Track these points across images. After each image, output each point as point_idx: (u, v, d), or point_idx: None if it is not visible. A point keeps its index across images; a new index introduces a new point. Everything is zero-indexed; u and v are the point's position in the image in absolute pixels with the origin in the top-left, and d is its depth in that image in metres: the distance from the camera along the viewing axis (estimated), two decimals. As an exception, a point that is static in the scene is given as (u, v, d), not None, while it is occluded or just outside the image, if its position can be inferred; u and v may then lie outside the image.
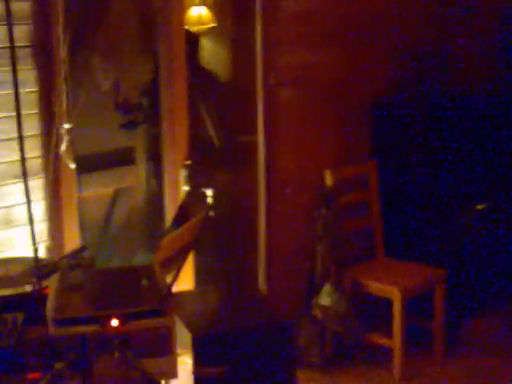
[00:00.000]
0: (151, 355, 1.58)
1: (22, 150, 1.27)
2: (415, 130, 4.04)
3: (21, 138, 1.37)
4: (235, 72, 3.85)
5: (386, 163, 4.05)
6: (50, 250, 2.82)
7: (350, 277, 3.71)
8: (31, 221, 1.39)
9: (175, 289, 1.83)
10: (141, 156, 3.65)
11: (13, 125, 2.72)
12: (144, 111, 3.68)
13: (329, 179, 3.80)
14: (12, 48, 1.89)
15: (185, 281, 3.38)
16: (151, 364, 1.58)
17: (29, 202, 1.38)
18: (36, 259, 2.08)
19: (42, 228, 2.82)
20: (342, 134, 3.99)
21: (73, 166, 2.77)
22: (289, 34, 3.71)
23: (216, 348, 2.12)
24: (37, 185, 2.81)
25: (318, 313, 3.66)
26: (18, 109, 1.87)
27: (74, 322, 1.57)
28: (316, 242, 3.73)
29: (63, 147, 2.77)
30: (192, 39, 3.88)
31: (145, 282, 1.83)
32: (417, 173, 4.02)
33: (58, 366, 1.42)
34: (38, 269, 1.95)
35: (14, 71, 1.90)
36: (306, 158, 3.86)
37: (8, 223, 2.76)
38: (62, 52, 2.83)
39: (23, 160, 1.81)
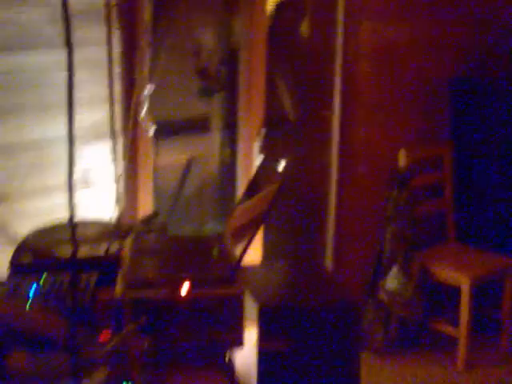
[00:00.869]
0: (219, 323, 1.59)
1: (112, 111, 1.27)
2: (495, 111, 3.92)
3: (112, 99, 1.37)
4: (314, 45, 3.81)
5: (462, 145, 3.96)
6: (124, 213, 2.86)
7: (418, 261, 3.65)
8: (116, 182, 1.39)
9: (244, 262, 1.83)
10: (216, 124, 3.65)
11: (92, 85, 2.76)
12: (222, 80, 3.67)
13: (403, 159, 3.74)
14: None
15: (253, 255, 3.40)
16: (219, 332, 1.59)
17: (113, 163, 1.39)
18: (111, 222, 2.12)
19: (117, 191, 2.86)
20: (419, 114, 3.92)
21: (151, 130, 2.79)
22: (369, 8, 3.64)
23: (281, 323, 2.11)
24: (114, 147, 2.84)
25: (383, 296, 3.62)
26: (110, 70, 1.86)
27: (146, 285, 1.59)
28: (386, 223, 3.68)
29: (143, 111, 2.79)
30: (273, 11, 3.84)
31: (216, 251, 1.84)
32: (495, 157, 3.90)
33: (129, 327, 1.44)
34: (112, 231, 1.99)
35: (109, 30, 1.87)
36: (381, 136, 3.80)
37: (85, 184, 2.80)
38: (146, 14, 2.84)
39: (112, 122, 1.82)
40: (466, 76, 3.98)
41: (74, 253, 1.03)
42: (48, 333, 1.45)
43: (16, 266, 1.86)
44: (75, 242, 1.03)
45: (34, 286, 1.67)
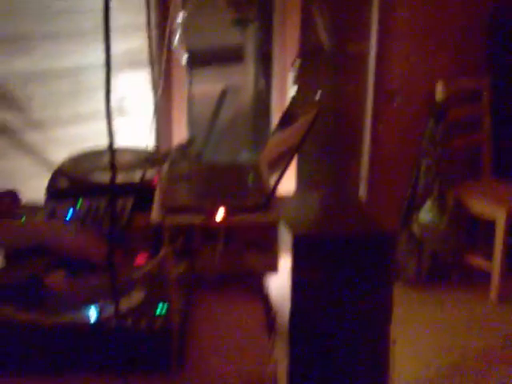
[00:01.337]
0: (254, 250, 1.59)
1: (149, 38, 1.25)
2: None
3: (149, 26, 1.34)
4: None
5: (501, 79, 3.86)
6: (158, 142, 2.86)
7: (453, 195, 3.62)
8: (155, 111, 1.39)
9: (278, 192, 1.82)
10: (250, 54, 3.61)
11: (124, 13, 2.73)
12: (256, 9, 3.61)
13: (440, 92, 3.67)
14: None
15: (287, 186, 3.40)
16: (253, 258, 1.59)
17: (148, 92, 1.37)
18: (147, 149, 2.12)
19: (152, 120, 2.85)
20: (457, 45, 3.82)
21: (184, 58, 2.76)
22: None
23: (315, 252, 2.11)
24: (149, 76, 2.83)
25: (416, 229, 3.61)
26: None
27: (181, 211, 1.59)
28: (421, 157, 3.64)
29: (176, 40, 2.76)
30: None
31: (251, 178, 1.83)
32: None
33: (165, 251, 1.44)
34: (147, 159, 1.99)
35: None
36: (418, 68, 3.73)
37: (120, 113, 2.80)
38: None
39: (151, 49, 1.79)
40: (508, 6, 3.85)
41: (113, 177, 1.02)
42: (86, 254, 1.47)
43: (53, 191, 1.87)
44: (114, 166, 1.02)
45: (71, 210, 1.68)
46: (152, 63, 1.80)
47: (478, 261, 3.64)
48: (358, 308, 2.13)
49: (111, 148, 0.96)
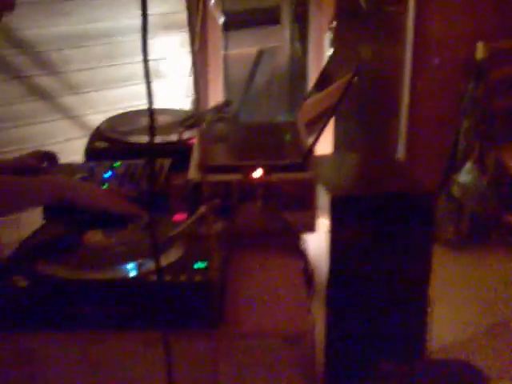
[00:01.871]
0: (292, 208, 1.59)
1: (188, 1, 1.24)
2: None
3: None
4: None
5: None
6: (195, 103, 2.86)
7: (493, 156, 3.57)
8: (188, 73, 1.38)
9: (316, 152, 1.81)
10: (287, 17, 3.57)
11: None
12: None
13: (481, 51, 3.60)
14: None
15: (324, 146, 3.39)
16: (292, 216, 1.59)
17: (185, 54, 1.37)
18: (183, 111, 2.12)
19: (188, 82, 2.86)
20: (499, 3, 3.73)
21: (221, 20, 2.75)
22: None
23: (354, 212, 2.10)
24: (184, 39, 2.83)
25: (456, 190, 3.57)
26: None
27: (219, 169, 1.60)
28: (461, 117, 3.59)
29: (212, 2, 2.74)
30: None
31: (288, 137, 1.83)
32: None
33: (203, 209, 1.45)
34: (184, 120, 1.99)
35: None
36: (458, 27, 3.66)
37: (156, 75, 2.81)
38: None
39: (189, 12, 1.78)
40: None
41: (152, 136, 1.02)
42: (123, 211, 1.48)
43: (91, 153, 1.89)
44: (153, 126, 1.02)
45: (110, 171, 1.70)
46: (191, 26, 1.78)
47: (518, 222, 3.60)
48: (397, 268, 2.12)
49: (150, 109, 0.96)
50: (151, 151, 1.28)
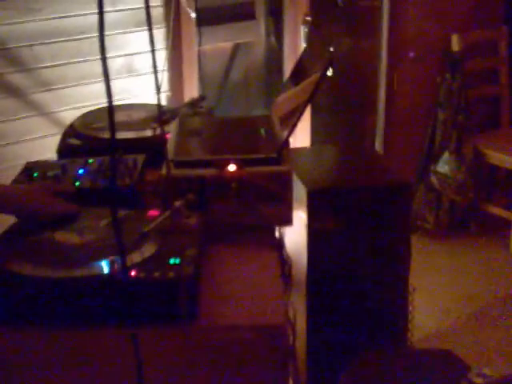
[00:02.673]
0: (268, 202, 1.58)
1: None
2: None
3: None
4: None
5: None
6: (169, 99, 2.85)
7: (471, 145, 3.58)
8: (161, 68, 1.37)
9: (292, 145, 1.80)
10: (261, 11, 3.56)
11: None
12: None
13: (456, 43, 3.62)
14: None
15: (302, 139, 3.38)
16: (267, 210, 1.58)
17: (153, 50, 1.35)
18: (157, 106, 2.10)
19: (162, 78, 2.84)
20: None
21: (193, 15, 2.73)
22: None
23: (331, 204, 2.10)
24: (157, 35, 2.81)
25: (434, 180, 3.58)
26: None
27: (193, 164, 1.58)
28: (438, 108, 3.60)
29: (184, -3, 2.73)
30: None
31: (262, 131, 1.82)
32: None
33: (177, 203, 1.44)
34: (158, 115, 1.98)
35: None
36: (433, 20, 3.67)
37: (129, 71, 2.79)
38: None
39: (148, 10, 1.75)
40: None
41: (113, 134, 1.01)
42: (54, 211, 1.45)
43: (65, 149, 1.87)
44: (113, 124, 1.01)
45: (83, 168, 1.68)
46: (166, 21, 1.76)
47: (496, 210, 3.62)
48: (376, 259, 2.12)
49: (110, 106, 0.95)
50: (113, 148, 1.24)
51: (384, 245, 2.13)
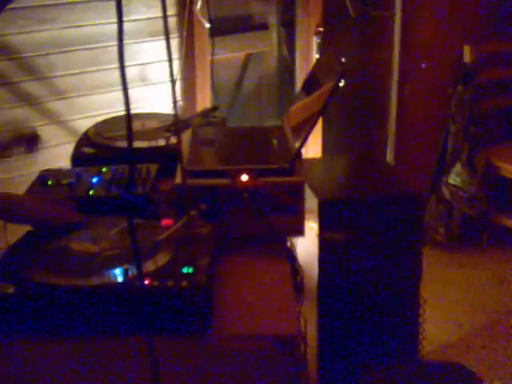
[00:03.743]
0: (280, 212, 1.59)
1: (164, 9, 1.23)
2: None
3: None
4: None
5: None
6: (182, 108, 2.86)
7: (483, 157, 3.58)
8: (171, 78, 1.38)
9: (304, 156, 1.81)
10: (274, 21, 3.58)
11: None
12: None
13: (468, 55, 3.61)
14: None
15: (314, 150, 3.39)
16: (279, 220, 1.59)
17: (170, 60, 1.37)
18: (171, 115, 2.11)
19: (175, 87, 2.85)
20: (485, 6, 3.74)
21: (207, 25, 2.75)
22: None
23: (343, 215, 2.10)
24: (171, 44, 2.82)
25: (446, 192, 3.58)
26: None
27: (206, 174, 1.59)
28: (450, 120, 3.60)
29: (198, 6, 2.74)
30: None
31: (275, 142, 1.82)
32: None
33: (191, 213, 1.45)
34: (172, 124, 1.99)
35: None
36: (445, 31, 3.67)
37: (143, 80, 2.80)
38: None
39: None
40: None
41: (130, 142, 1.01)
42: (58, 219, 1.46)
43: (79, 157, 1.88)
44: (130, 133, 1.01)
45: (97, 176, 1.69)
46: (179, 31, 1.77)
47: (508, 223, 3.61)
48: (387, 270, 2.12)
49: (128, 115, 0.95)
50: (130, 157, 1.24)
51: (395, 256, 2.13)
